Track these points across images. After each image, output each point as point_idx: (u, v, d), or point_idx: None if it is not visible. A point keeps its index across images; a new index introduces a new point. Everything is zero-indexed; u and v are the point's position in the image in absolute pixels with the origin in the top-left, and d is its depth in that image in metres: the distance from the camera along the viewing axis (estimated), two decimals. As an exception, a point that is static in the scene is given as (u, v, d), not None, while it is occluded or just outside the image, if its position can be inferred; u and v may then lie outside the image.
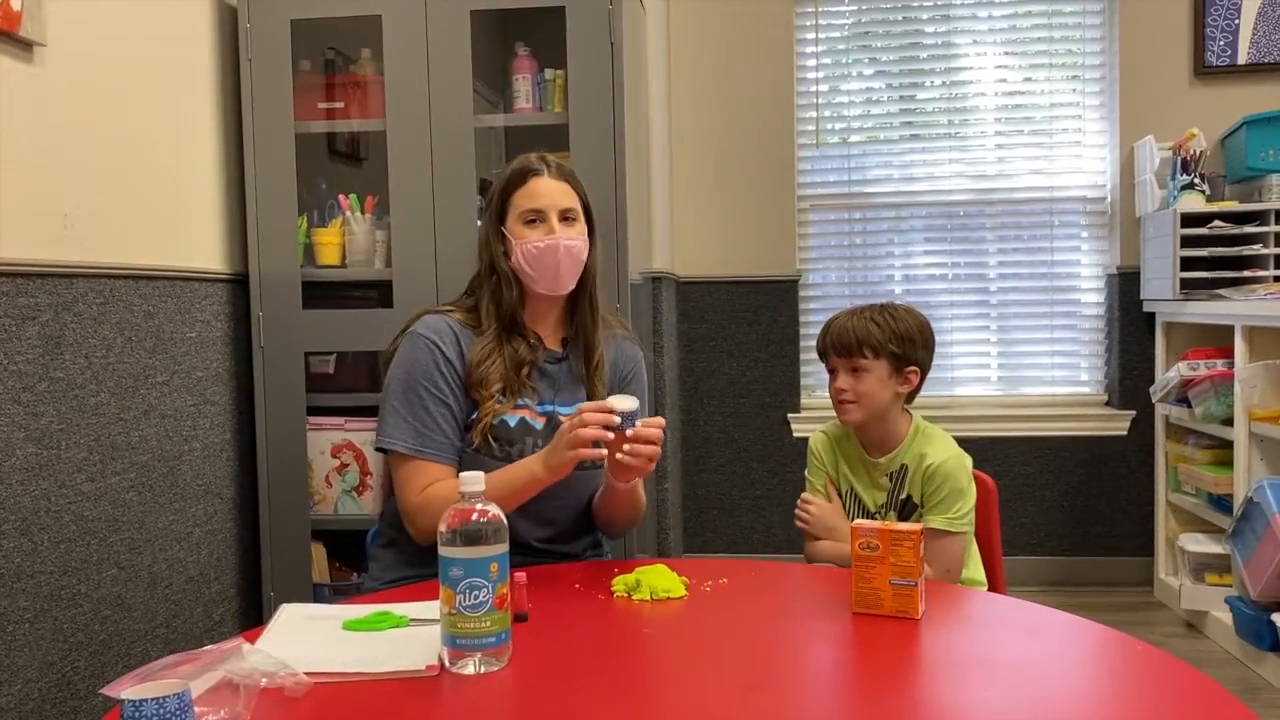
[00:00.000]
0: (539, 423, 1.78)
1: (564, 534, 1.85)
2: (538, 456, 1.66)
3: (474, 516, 1.25)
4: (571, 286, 1.80)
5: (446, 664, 1.24)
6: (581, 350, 1.84)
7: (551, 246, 1.74)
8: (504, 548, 1.25)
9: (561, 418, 1.79)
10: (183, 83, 2.55)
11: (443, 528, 1.25)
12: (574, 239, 1.77)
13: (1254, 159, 3.57)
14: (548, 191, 1.76)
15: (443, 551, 1.24)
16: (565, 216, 1.77)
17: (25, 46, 1.98)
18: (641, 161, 3.22)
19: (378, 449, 1.78)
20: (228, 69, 2.71)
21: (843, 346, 1.94)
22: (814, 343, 2.04)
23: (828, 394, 2.01)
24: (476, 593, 1.22)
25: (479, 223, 2.63)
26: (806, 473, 2.08)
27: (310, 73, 2.84)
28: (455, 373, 1.75)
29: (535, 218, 1.76)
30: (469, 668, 1.23)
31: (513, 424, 1.76)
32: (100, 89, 2.21)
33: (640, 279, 3.16)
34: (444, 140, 2.65)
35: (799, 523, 2.01)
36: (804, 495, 2.04)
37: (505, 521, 1.27)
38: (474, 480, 1.27)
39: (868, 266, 4.24)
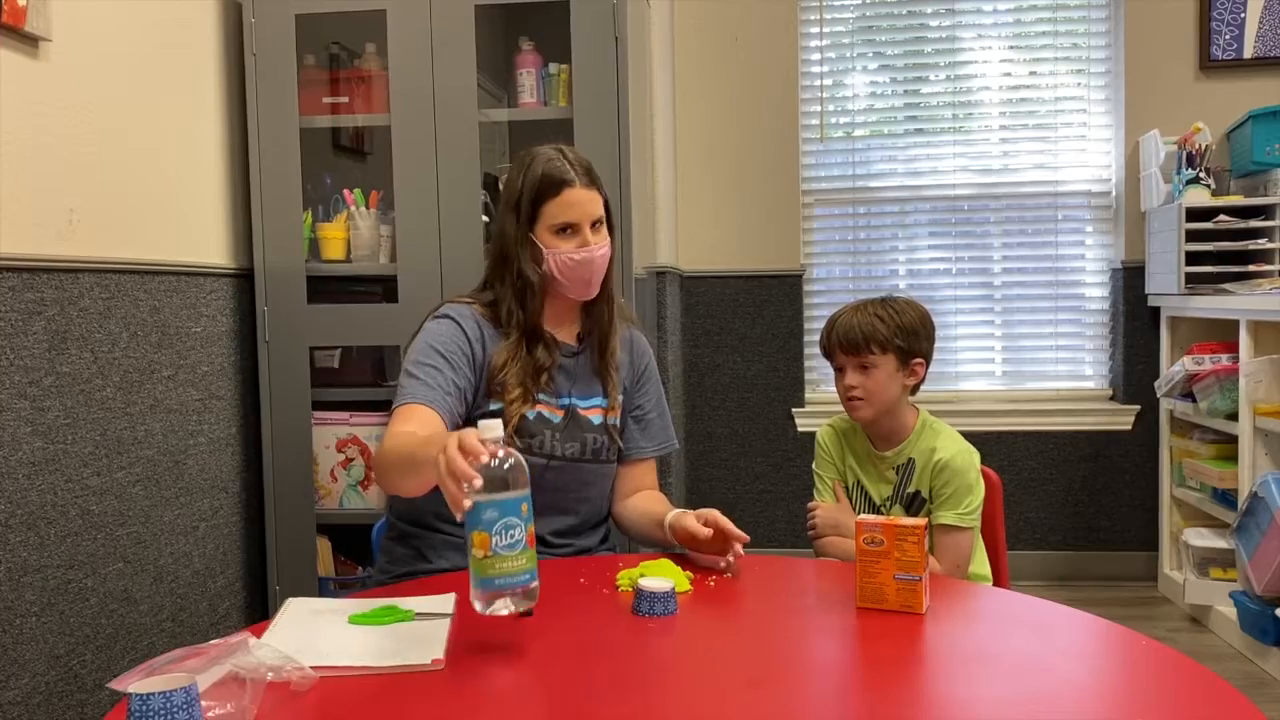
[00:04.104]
0: (556, 416, 1.80)
1: (580, 526, 1.86)
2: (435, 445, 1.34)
3: (494, 461, 1.25)
4: (598, 291, 1.82)
5: (480, 608, 1.25)
6: (597, 344, 1.86)
7: (588, 260, 1.75)
8: (528, 489, 1.27)
9: (580, 410, 1.81)
10: (187, 77, 2.55)
11: None
12: (605, 247, 1.78)
13: (1259, 153, 3.56)
14: (580, 202, 1.75)
15: (472, 496, 1.24)
16: (595, 226, 1.77)
17: (31, 42, 1.98)
18: (645, 156, 3.22)
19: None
20: (232, 64, 2.71)
21: (849, 344, 1.93)
22: (818, 337, 2.04)
23: (833, 389, 2.01)
24: (512, 531, 1.24)
25: (485, 219, 2.65)
26: (814, 466, 2.08)
27: (314, 67, 2.84)
28: (474, 353, 1.76)
29: (569, 230, 1.75)
30: (504, 609, 1.25)
31: (531, 417, 1.77)
32: (105, 84, 2.22)
33: (644, 273, 3.16)
34: (448, 135, 2.65)
35: (809, 531, 2.01)
36: (810, 504, 2.04)
37: (524, 462, 1.27)
38: (493, 427, 1.27)
39: (872, 261, 4.23)
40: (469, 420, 1.75)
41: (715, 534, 1.62)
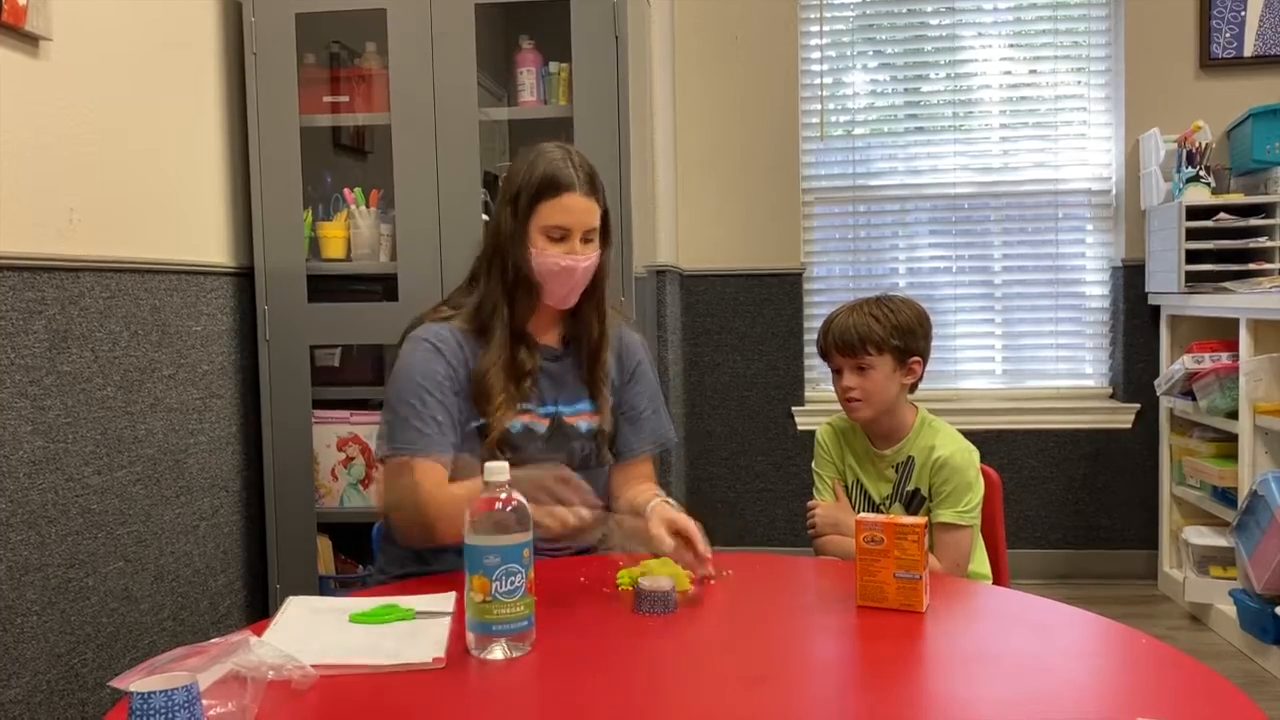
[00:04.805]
0: (542, 425, 1.77)
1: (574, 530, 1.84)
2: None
3: (498, 505, 1.27)
4: (575, 301, 1.79)
5: (473, 650, 1.26)
6: (583, 351, 1.83)
7: (570, 268, 1.73)
8: (530, 534, 1.28)
9: (566, 419, 1.80)
10: (188, 76, 2.55)
11: (469, 518, 1.27)
12: (591, 260, 1.75)
13: (1260, 151, 3.56)
14: (577, 210, 1.72)
15: (474, 541, 1.26)
16: (587, 238, 1.75)
17: (31, 41, 1.98)
18: (646, 154, 3.22)
19: (381, 458, 1.75)
20: (233, 63, 2.71)
21: (846, 345, 1.93)
22: (818, 336, 2.04)
23: (833, 390, 2.01)
24: (513, 578, 1.25)
25: (485, 218, 2.65)
26: (814, 465, 2.08)
27: (315, 66, 2.84)
28: (457, 379, 1.73)
29: (560, 235, 1.73)
30: (497, 652, 1.25)
31: (516, 430, 1.74)
32: (105, 83, 2.22)
33: (645, 272, 3.17)
34: (448, 134, 2.65)
35: (809, 530, 2.01)
36: (809, 502, 2.04)
37: (529, 508, 1.29)
38: (498, 470, 1.29)
39: (872, 259, 4.23)
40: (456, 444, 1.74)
41: (684, 544, 1.58)
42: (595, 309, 1.81)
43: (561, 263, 1.72)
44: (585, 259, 1.74)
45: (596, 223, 1.76)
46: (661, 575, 1.51)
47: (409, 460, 1.67)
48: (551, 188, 1.72)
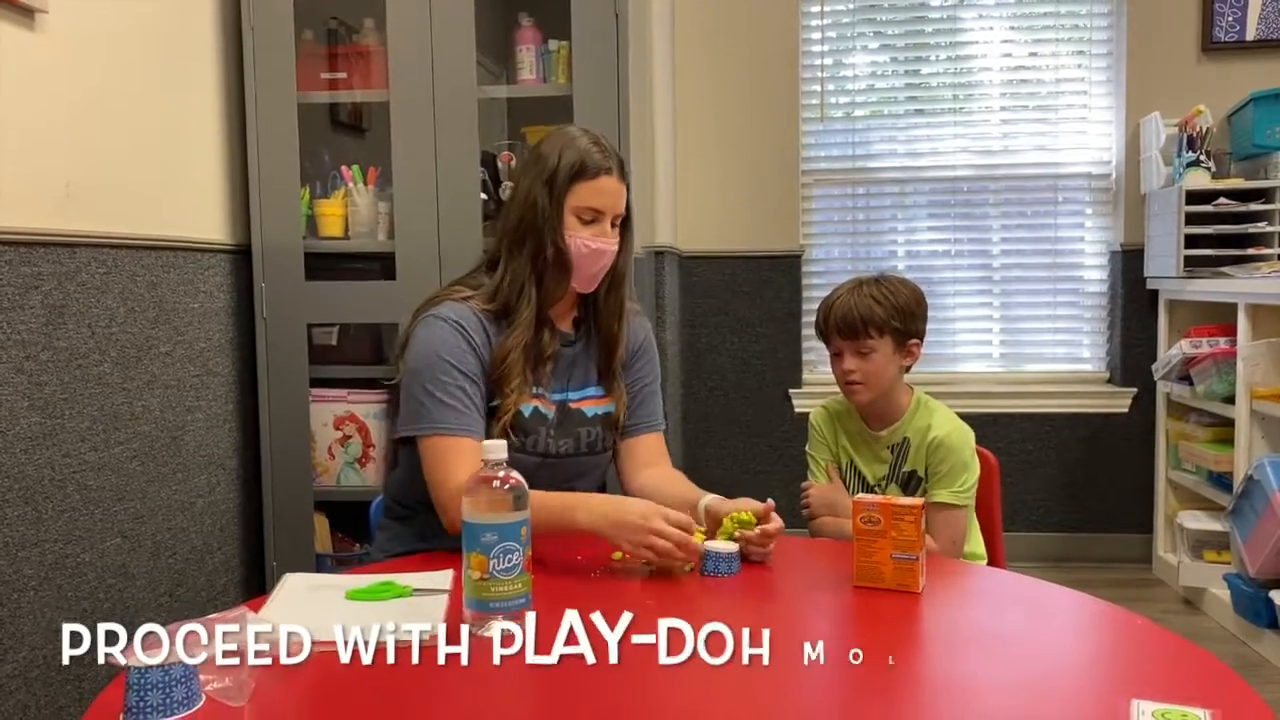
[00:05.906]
0: (550, 411, 1.77)
1: None
2: (589, 509, 1.59)
3: (496, 483, 1.27)
4: (595, 286, 1.78)
5: (470, 627, 1.26)
6: (597, 336, 1.83)
7: (599, 252, 1.73)
8: (528, 512, 1.29)
9: (572, 404, 1.79)
10: (185, 51, 2.53)
11: (467, 495, 1.28)
12: (616, 244, 1.76)
13: (1260, 136, 3.55)
14: (612, 193, 1.72)
15: (472, 518, 1.26)
16: (615, 223, 1.75)
17: (27, 13, 1.96)
18: (645, 135, 3.21)
19: (403, 438, 1.73)
20: (230, 38, 2.69)
21: (847, 328, 1.91)
22: (816, 318, 2.03)
23: (830, 372, 2.00)
24: (510, 556, 1.26)
25: (484, 196, 2.64)
26: (808, 448, 2.09)
27: (313, 42, 2.82)
28: (481, 361, 1.72)
29: (592, 217, 1.72)
30: (494, 630, 1.25)
31: (527, 414, 1.74)
32: (102, 57, 2.20)
33: (643, 253, 3.16)
34: (447, 111, 2.64)
35: (804, 511, 2.01)
36: (804, 484, 2.04)
37: (526, 486, 1.30)
38: (496, 449, 1.29)
39: (871, 242, 4.23)
40: None
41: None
42: (616, 297, 1.81)
43: (592, 245, 1.72)
44: (613, 243, 1.74)
45: (623, 208, 1.76)
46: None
47: (454, 440, 1.66)
48: (590, 169, 1.71)
